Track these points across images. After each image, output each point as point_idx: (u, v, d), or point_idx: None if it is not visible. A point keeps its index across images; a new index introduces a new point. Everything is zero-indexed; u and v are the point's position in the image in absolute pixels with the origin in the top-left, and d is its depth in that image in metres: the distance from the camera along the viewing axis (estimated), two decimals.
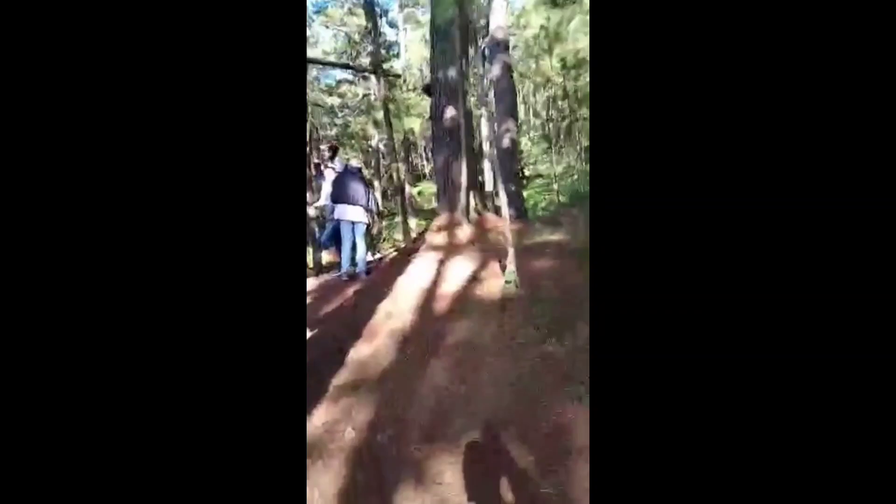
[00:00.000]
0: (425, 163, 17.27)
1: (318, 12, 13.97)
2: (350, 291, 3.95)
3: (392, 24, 14.95)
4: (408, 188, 13.04)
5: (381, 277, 4.14)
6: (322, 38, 15.53)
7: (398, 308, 3.22)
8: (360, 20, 13.89)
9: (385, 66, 14.24)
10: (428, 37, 5.27)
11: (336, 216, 4.40)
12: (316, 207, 5.63)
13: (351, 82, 14.45)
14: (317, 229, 6.87)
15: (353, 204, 4.31)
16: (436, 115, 4.46)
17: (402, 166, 4.98)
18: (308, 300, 3.99)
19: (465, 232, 4.28)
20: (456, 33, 4.12)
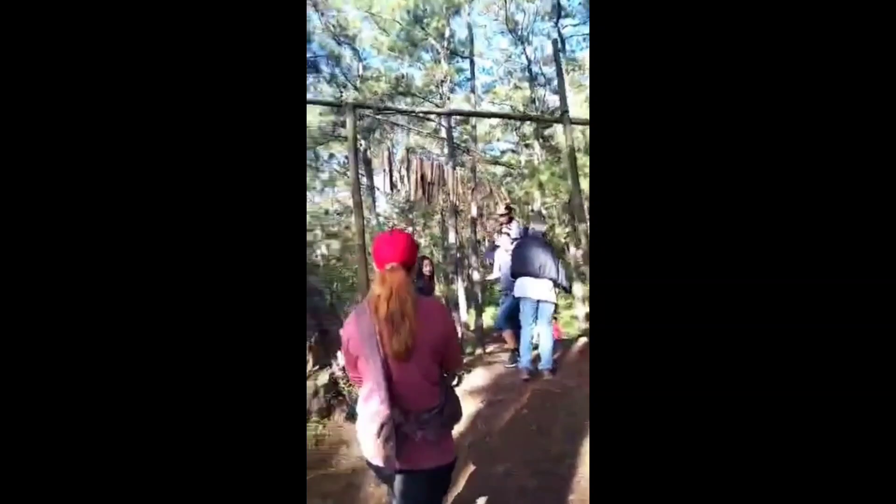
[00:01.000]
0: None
1: (486, 92, 15.05)
2: (525, 396, 3.30)
3: (555, 92, 15.10)
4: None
5: (572, 376, 3.40)
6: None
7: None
8: (525, 92, 14.53)
9: (547, 131, 14.46)
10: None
11: (516, 293, 3.55)
12: (489, 281, 5.22)
13: (514, 151, 14.85)
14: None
15: (539, 277, 3.43)
16: None
17: (582, 227, 4.26)
18: (477, 400, 3.42)
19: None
20: None
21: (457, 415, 1.37)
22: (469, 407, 3.00)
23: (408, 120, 13.43)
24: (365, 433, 1.28)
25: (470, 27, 12.38)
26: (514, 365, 3.85)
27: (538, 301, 3.48)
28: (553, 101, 15.33)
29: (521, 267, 3.53)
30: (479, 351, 8.65)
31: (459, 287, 11.14)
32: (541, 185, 10.34)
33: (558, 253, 4.19)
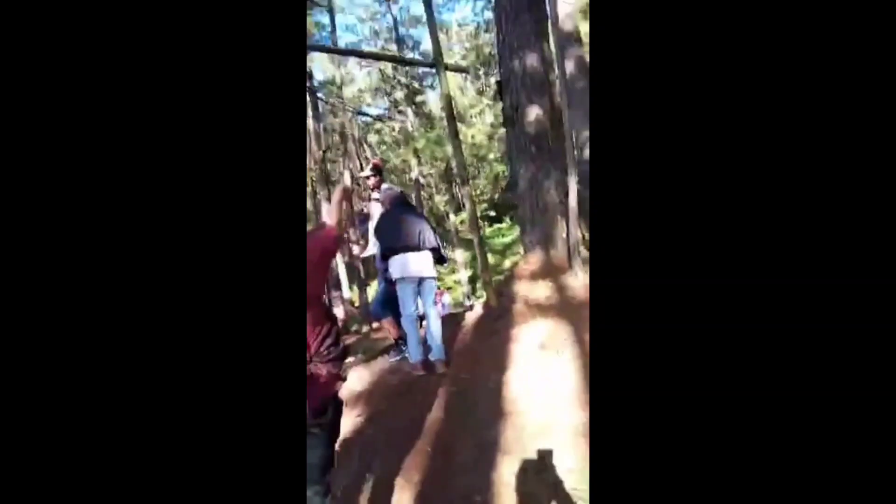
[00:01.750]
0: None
1: (350, 53, 13.97)
2: (430, 400, 2.55)
3: (426, 57, 14.75)
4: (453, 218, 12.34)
5: (467, 365, 2.80)
6: (356, 77, 15.57)
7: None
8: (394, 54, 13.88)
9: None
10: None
11: (393, 272, 2.94)
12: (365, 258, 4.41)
13: (389, 118, 14.22)
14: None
15: (417, 249, 2.89)
16: (514, 119, 3.30)
17: (466, 189, 3.85)
18: (357, 401, 2.90)
19: (577, 281, 2.96)
20: (527, 16, 3.30)
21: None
22: (346, 422, 2.15)
23: None
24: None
25: None
26: (398, 358, 3.28)
27: (420, 279, 2.93)
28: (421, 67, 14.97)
29: (393, 241, 2.93)
30: (365, 328, 8.17)
31: (339, 263, 10.39)
32: (416, 153, 10.05)
33: (437, 222, 3.77)
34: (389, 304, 3.16)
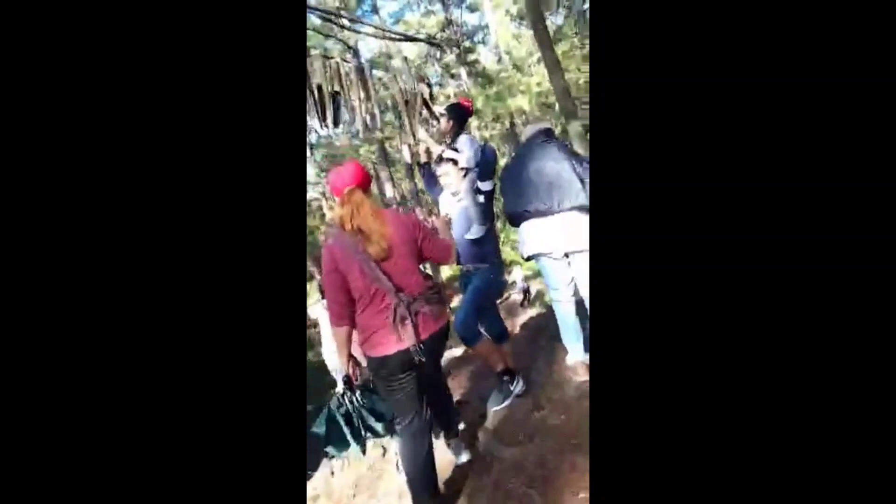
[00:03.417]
0: None
1: (395, 23, 13.29)
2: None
3: (473, 9, 13.59)
4: None
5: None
6: (403, 47, 14.86)
7: None
8: (439, 16, 12.95)
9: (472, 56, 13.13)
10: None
11: (524, 246, 2.05)
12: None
13: (439, 84, 13.40)
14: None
15: (554, 212, 1.89)
16: None
17: (575, 126, 2.92)
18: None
19: None
20: None
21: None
22: None
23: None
24: (377, 338, 1.44)
25: None
26: (506, 403, 2.06)
27: (566, 255, 1.95)
28: (471, 19, 13.87)
29: (523, 201, 1.94)
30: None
31: None
32: (476, 112, 9.24)
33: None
34: (484, 316, 2.11)
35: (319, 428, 1.95)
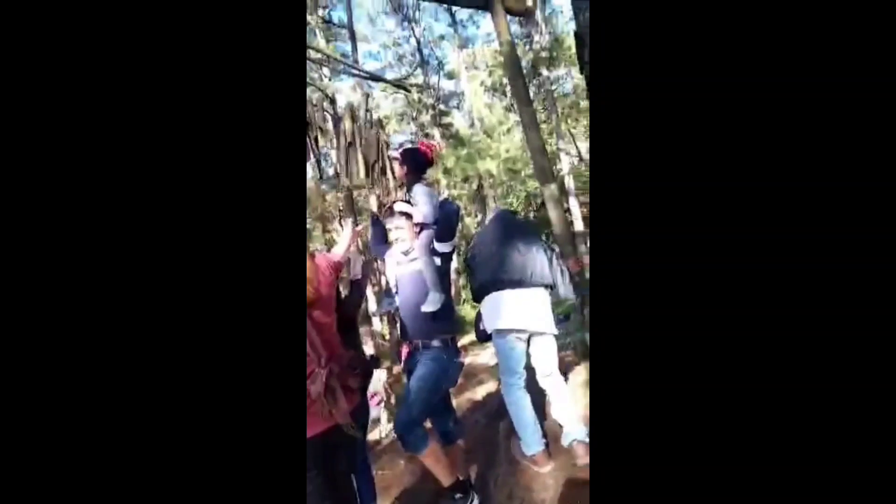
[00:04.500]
0: None
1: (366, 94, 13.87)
2: None
3: (451, 76, 14.47)
4: None
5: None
6: (381, 105, 15.45)
7: None
8: (418, 79, 13.68)
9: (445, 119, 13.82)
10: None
11: (487, 320, 1.95)
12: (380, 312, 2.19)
13: (411, 142, 13.86)
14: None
15: (523, 284, 1.87)
16: None
17: (549, 190, 2.91)
18: None
19: None
20: None
21: None
22: None
23: None
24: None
25: (349, 4, 10.93)
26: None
27: (529, 335, 1.88)
28: (449, 85, 14.71)
29: (495, 271, 1.88)
30: (396, 368, 7.40)
31: (370, 294, 9.82)
32: (447, 171, 9.50)
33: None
34: (435, 414, 1.78)
35: None
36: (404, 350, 1.84)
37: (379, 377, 4.35)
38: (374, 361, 1.54)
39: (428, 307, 1.66)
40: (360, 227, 1.80)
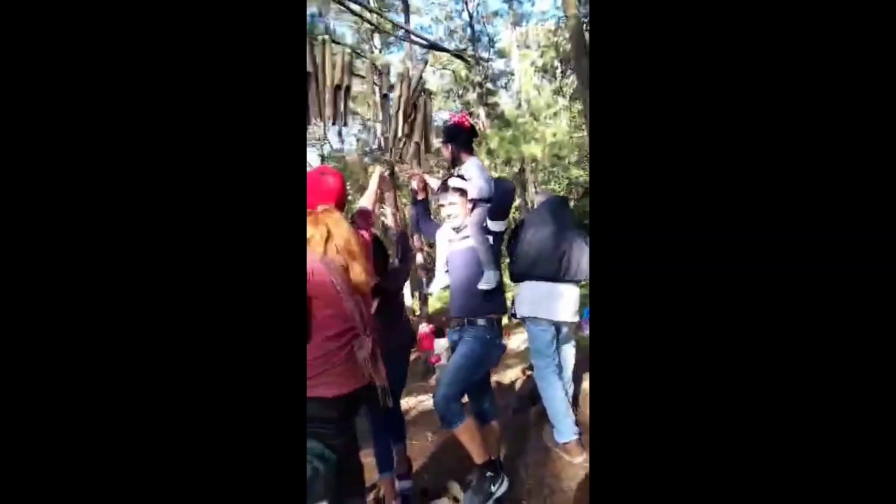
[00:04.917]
0: None
1: (426, 52, 13.70)
2: None
3: (502, 55, 14.07)
4: None
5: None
6: (429, 81, 15.27)
7: None
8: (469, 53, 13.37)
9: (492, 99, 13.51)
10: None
11: (520, 306, 1.98)
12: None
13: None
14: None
15: (559, 279, 1.92)
16: None
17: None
18: None
19: None
20: None
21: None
22: None
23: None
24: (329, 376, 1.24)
25: None
26: (487, 501, 1.65)
27: (556, 325, 1.93)
28: (498, 64, 14.32)
29: (531, 263, 1.90)
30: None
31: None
32: (490, 153, 9.35)
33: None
34: (471, 388, 1.75)
35: None
36: (426, 328, 1.98)
37: (443, 344, 4.91)
38: (440, 331, 1.60)
39: (484, 285, 1.66)
40: (385, 173, 1.88)
